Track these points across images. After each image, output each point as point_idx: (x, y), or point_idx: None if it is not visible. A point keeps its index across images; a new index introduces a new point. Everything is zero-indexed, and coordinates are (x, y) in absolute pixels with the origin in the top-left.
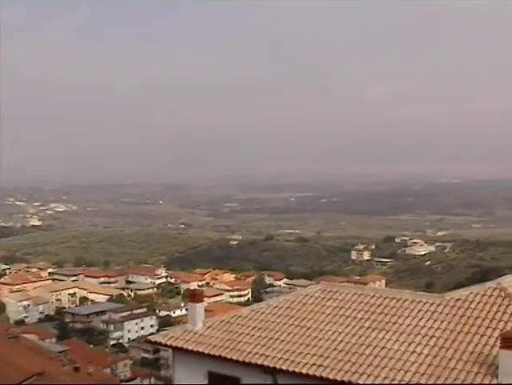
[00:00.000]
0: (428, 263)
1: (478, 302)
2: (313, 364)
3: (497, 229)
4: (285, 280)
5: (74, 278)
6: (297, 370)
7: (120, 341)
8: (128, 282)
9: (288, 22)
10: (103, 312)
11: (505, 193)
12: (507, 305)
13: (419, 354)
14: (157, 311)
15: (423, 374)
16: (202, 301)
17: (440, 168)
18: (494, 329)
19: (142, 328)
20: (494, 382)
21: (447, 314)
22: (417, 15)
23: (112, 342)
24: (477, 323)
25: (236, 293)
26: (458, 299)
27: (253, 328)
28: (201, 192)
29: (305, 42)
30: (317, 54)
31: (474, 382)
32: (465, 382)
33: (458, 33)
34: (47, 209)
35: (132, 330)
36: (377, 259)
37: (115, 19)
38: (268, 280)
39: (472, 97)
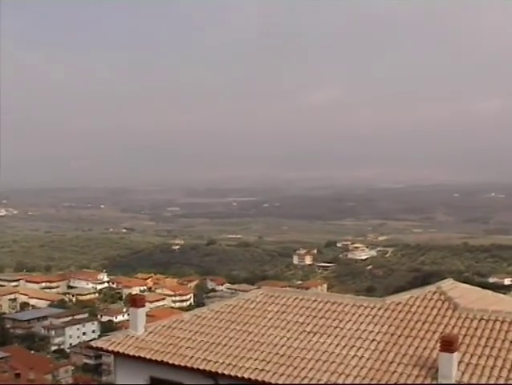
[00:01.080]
0: (369, 267)
1: (418, 306)
2: (255, 369)
3: (438, 234)
4: (227, 284)
5: (14, 284)
6: (239, 374)
7: (62, 346)
8: (70, 287)
9: (229, 24)
10: (44, 317)
11: (445, 198)
12: (447, 309)
13: (360, 358)
14: (99, 316)
15: (364, 378)
16: (144, 306)
17: (381, 173)
18: (434, 332)
19: (84, 333)
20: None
21: (388, 318)
22: (355, 21)
23: (54, 348)
24: (418, 327)
25: (178, 298)
26: (399, 303)
27: (195, 333)
28: (143, 196)
29: (247, 45)
30: (258, 58)
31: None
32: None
33: (395, 39)
34: None
35: (74, 335)
36: (319, 264)
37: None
38: (210, 285)
39: (412, 102)
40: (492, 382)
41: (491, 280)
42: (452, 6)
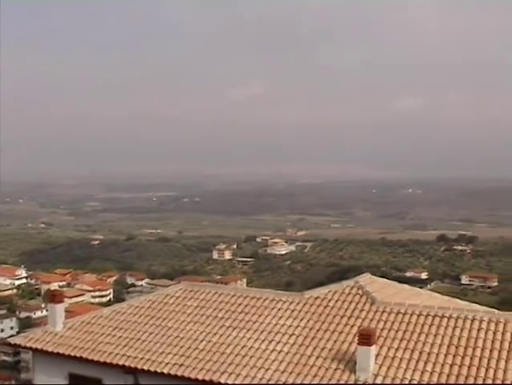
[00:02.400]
0: (288, 262)
1: (337, 300)
2: (174, 364)
3: (356, 229)
4: (147, 280)
5: None
6: (158, 369)
7: None
8: None
9: (150, 20)
10: None
11: (364, 194)
12: (364, 303)
13: (279, 352)
14: (17, 313)
15: (283, 372)
16: (62, 301)
17: (301, 169)
18: (352, 326)
19: (1, 330)
20: (352, 377)
21: (306, 312)
22: (282, 16)
23: None
24: (336, 321)
25: (97, 293)
26: (317, 297)
27: (115, 328)
28: (62, 191)
29: (170, 42)
30: (178, 55)
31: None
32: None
33: (319, 37)
34: None
35: None
36: (238, 258)
37: None
38: (130, 280)
39: (334, 100)
40: (408, 374)
41: (408, 274)
42: (375, 5)
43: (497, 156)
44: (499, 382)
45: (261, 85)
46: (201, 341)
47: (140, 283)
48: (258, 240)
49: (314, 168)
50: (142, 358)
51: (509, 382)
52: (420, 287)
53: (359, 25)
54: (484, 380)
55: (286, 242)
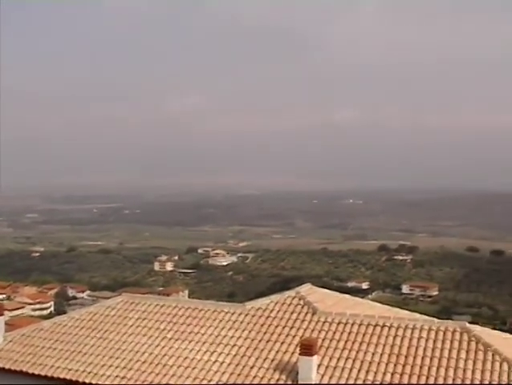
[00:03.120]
0: (230, 273)
1: (278, 311)
2: (116, 376)
3: (297, 240)
4: (88, 292)
5: None
6: (100, 382)
7: None
8: None
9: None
10: None
11: (305, 205)
12: (306, 313)
13: (221, 364)
14: None
15: (225, 383)
16: (2, 314)
17: (241, 180)
18: (294, 336)
19: None
20: None
21: (248, 323)
22: (218, 28)
23: None
24: (278, 331)
25: (38, 306)
26: (259, 308)
27: (55, 341)
28: (0, 202)
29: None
30: (117, 62)
31: None
32: None
33: (255, 49)
34: None
35: None
36: (180, 270)
37: None
38: (71, 292)
39: (268, 112)
40: (351, 383)
41: (350, 284)
42: (310, 18)
43: (434, 166)
44: None
45: (197, 96)
46: (143, 353)
47: (81, 295)
48: (200, 251)
49: (252, 178)
50: (83, 371)
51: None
52: (362, 297)
53: (295, 37)
54: None
55: (227, 253)
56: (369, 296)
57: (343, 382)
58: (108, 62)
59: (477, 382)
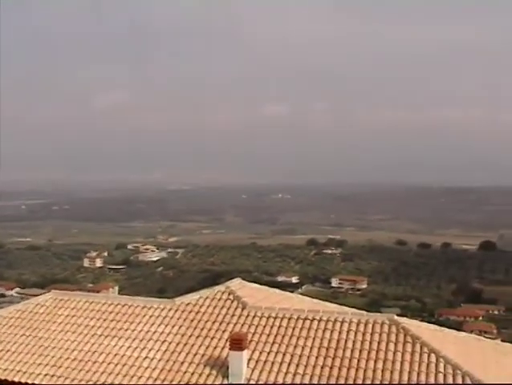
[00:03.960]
0: (160, 269)
1: (208, 306)
2: (46, 374)
3: (227, 235)
4: (17, 289)
5: None
6: (29, 381)
7: None
8: None
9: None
10: None
11: (234, 200)
12: (236, 308)
13: (152, 360)
14: None
15: (156, 379)
16: None
17: (171, 175)
18: (224, 331)
19: None
20: (225, 382)
21: (178, 319)
22: (147, 24)
23: None
24: (208, 326)
25: None
26: (189, 303)
27: None
28: None
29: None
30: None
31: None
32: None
33: (188, 44)
34: None
35: None
36: (110, 266)
37: None
38: None
39: (203, 107)
40: (280, 377)
41: (279, 279)
42: (244, 16)
43: (362, 161)
44: (369, 382)
45: (128, 92)
46: (73, 350)
47: (9, 293)
48: (130, 247)
49: (184, 174)
50: (13, 370)
51: (378, 382)
52: (291, 291)
53: (224, 33)
54: (354, 380)
55: (157, 249)
56: (299, 290)
57: (274, 376)
58: (36, 59)
59: (406, 374)
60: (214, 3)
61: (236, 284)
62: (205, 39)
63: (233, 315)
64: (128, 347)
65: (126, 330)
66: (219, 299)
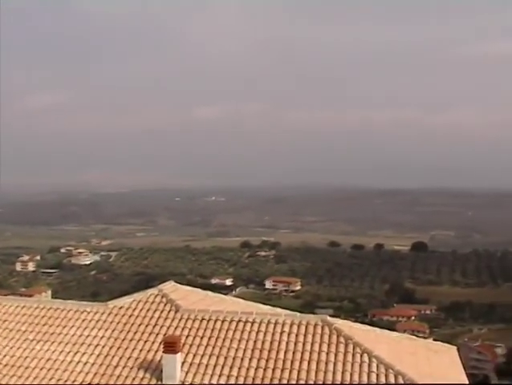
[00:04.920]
0: (93, 272)
1: (141, 309)
2: None
3: (161, 237)
4: None
5: None
6: None
7: None
8: None
9: None
10: None
11: (168, 202)
12: (169, 311)
13: (85, 364)
14: None
15: (89, 384)
16: None
17: (104, 178)
18: (158, 334)
19: None
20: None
21: (111, 322)
22: (76, 26)
23: None
24: (141, 330)
25: None
26: (122, 307)
27: None
28: None
29: None
30: None
31: None
32: None
33: (116, 44)
34: None
35: None
36: (43, 270)
37: None
38: None
39: (130, 109)
40: (214, 379)
41: (213, 281)
42: (169, 16)
43: (295, 164)
44: (303, 382)
45: (58, 93)
46: (5, 355)
47: None
48: (63, 250)
49: (115, 176)
50: None
51: (312, 383)
52: (225, 293)
53: (154, 35)
54: (288, 381)
55: (90, 252)
56: (233, 292)
57: (208, 379)
58: None
59: (339, 374)
60: (146, 5)
61: (169, 287)
62: (141, 41)
63: (166, 318)
64: (61, 352)
65: (58, 334)
66: (152, 302)
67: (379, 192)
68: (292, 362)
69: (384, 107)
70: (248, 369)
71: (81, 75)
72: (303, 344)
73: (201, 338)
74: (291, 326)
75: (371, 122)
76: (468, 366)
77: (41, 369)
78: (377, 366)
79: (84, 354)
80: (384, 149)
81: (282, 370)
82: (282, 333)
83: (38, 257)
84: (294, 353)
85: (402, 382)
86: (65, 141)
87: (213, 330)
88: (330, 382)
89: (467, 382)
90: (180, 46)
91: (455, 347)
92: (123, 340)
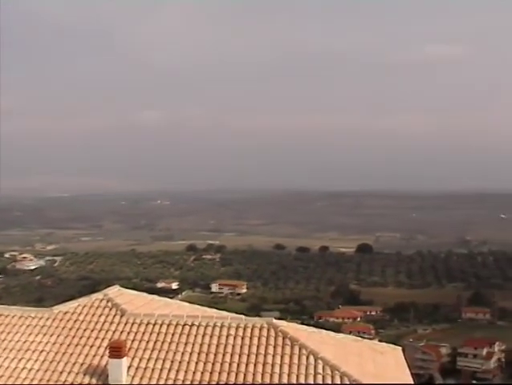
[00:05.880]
0: (38, 277)
1: (86, 314)
2: None
3: (106, 241)
4: None
5: None
6: None
7: None
8: None
9: None
10: None
11: (113, 206)
12: (114, 315)
13: (30, 370)
14: None
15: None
16: None
17: (49, 183)
18: (103, 339)
19: None
20: None
21: (56, 328)
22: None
23: None
24: (86, 335)
25: None
26: (67, 312)
27: None
28: None
29: None
30: None
31: None
32: None
33: (63, 46)
34: None
35: None
36: None
37: None
38: None
39: (79, 112)
40: (161, 383)
41: (159, 285)
42: (117, 17)
43: (239, 167)
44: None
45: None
46: None
47: None
48: (6, 255)
49: (60, 180)
50: None
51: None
52: (171, 297)
53: (101, 37)
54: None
55: (35, 257)
56: (179, 296)
57: (154, 383)
58: None
59: (285, 376)
60: (86, 5)
61: (114, 291)
62: (82, 40)
63: (111, 323)
64: (5, 358)
65: (3, 340)
66: (97, 307)
67: (322, 194)
68: (238, 365)
69: (326, 112)
70: (194, 373)
71: (24, 78)
72: (249, 347)
73: (147, 342)
74: (237, 329)
75: (314, 126)
76: (413, 366)
77: None
78: (323, 368)
79: (29, 360)
80: (326, 153)
81: (229, 374)
82: (227, 336)
83: None
84: (240, 356)
85: (348, 382)
86: (7, 146)
87: (158, 334)
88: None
89: (412, 382)
90: (128, 49)
91: (400, 348)
92: (69, 345)
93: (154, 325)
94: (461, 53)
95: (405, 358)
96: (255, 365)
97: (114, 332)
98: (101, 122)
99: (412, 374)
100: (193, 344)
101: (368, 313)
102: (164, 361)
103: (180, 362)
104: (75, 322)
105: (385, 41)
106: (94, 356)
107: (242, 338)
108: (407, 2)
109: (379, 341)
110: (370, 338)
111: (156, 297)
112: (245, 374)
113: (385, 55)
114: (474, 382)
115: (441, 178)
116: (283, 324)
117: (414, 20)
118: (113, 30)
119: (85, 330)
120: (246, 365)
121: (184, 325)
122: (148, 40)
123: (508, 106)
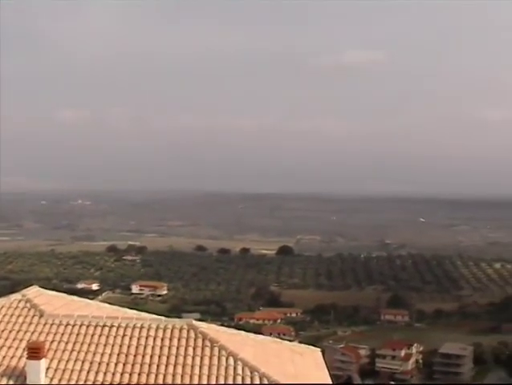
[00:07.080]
0: None
1: (4, 315)
2: None
3: (25, 241)
4: None
5: None
6: None
7: None
8: None
9: None
10: None
11: (33, 206)
12: (33, 316)
13: None
14: None
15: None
16: None
17: None
18: (21, 340)
19: None
20: None
21: None
22: None
23: None
24: (4, 336)
25: None
26: None
27: None
28: None
29: None
30: None
31: None
32: None
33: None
34: None
35: None
36: None
37: None
38: None
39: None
40: (81, 383)
41: (80, 286)
42: (41, 14)
43: (159, 168)
44: None
45: None
46: None
47: None
48: None
49: None
50: None
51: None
52: (91, 298)
53: (23, 32)
54: None
55: None
56: (99, 297)
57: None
58: None
59: (205, 378)
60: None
61: (33, 292)
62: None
63: (30, 324)
64: None
65: None
66: (15, 308)
67: (242, 196)
68: (158, 366)
69: (246, 114)
70: (114, 374)
71: None
72: (169, 348)
73: (66, 343)
74: (157, 330)
75: (236, 127)
76: (332, 368)
77: None
78: (242, 369)
79: None
80: (246, 155)
81: (148, 375)
82: (147, 337)
83: None
84: (159, 357)
85: (267, 383)
86: None
87: (77, 335)
88: None
89: (330, 382)
90: (50, 47)
91: (319, 349)
92: None
93: (73, 326)
94: (383, 58)
95: (324, 360)
96: (175, 366)
97: (32, 333)
98: (22, 121)
99: (331, 375)
100: (113, 345)
101: (289, 315)
102: (83, 362)
103: (99, 364)
104: None
105: (310, 44)
106: (12, 357)
107: (162, 340)
108: (332, 7)
109: (299, 342)
110: (290, 340)
111: (75, 298)
112: (164, 376)
113: (309, 59)
114: (392, 383)
115: (362, 181)
116: (203, 325)
117: (337, 25)
118: (37, 29)
119: (3, 330)
120: (166, 366)
121: (104, 326)
122: (72, 38)
123: (424, 110)
